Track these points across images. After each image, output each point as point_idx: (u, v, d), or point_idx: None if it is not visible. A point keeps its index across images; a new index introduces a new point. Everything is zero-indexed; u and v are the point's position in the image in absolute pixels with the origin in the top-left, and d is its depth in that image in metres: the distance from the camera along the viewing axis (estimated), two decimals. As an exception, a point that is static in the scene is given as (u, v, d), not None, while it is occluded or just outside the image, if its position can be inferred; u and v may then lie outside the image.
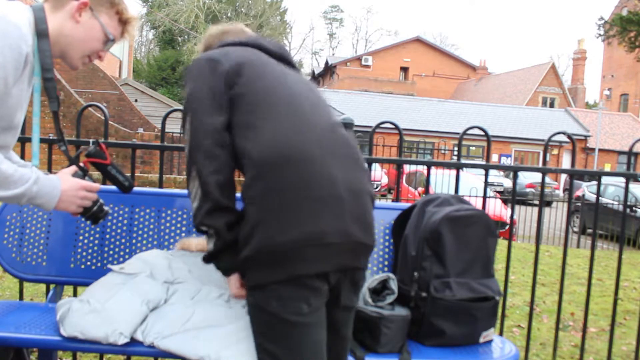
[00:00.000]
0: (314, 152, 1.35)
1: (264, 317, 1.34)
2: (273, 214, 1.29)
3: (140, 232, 2.17)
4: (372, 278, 1.90)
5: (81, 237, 2.16)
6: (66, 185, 1.51)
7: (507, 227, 9.32)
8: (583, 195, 11.89)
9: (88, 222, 1.67)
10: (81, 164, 1.60)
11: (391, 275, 1.92)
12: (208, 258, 1.43)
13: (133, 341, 1.71)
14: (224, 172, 1.36)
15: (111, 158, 1.65)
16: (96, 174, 1.72)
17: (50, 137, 2.38)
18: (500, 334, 2.54)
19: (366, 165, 1.53)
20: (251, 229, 1.31)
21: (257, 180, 1.32)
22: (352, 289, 1.45)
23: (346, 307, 1.46)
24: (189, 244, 2.01)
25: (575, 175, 2.87)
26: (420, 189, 11.13)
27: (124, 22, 1.58)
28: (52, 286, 2.23)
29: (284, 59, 1.62)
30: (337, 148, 1.42)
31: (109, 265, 1.93)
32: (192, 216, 1.39)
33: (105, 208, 1.65)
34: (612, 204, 10.09)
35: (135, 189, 1.73)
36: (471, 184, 8.87)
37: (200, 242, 2.01)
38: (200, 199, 1.36)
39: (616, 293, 2.75)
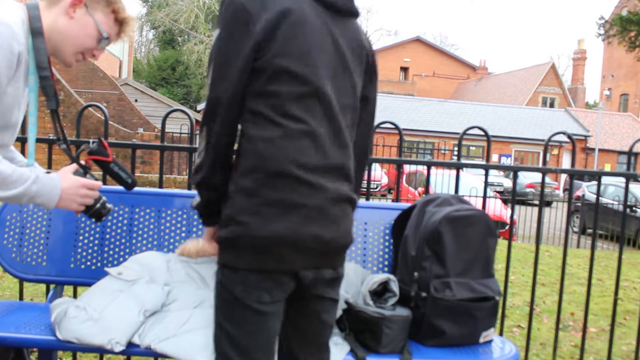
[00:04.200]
0: (315, 164, 1.36)
1: (228, 297, 1.38)
2: (259, 208, 1.33)
3: (140, 232, 2.17)
4: (371, 280, 1.89)
5: (81, 237, 2.16)
6: (67, 184, 1.50)
7: (507, 227, 9.32)
8: (583, 195, 11.89)
9: (91, 220, 1.66)
10: (82, 162, 1.59)
11: (391, 276, 1.92)
12: (195, 207, 1.51)
13: (131, 344, 1.71)
14: (229, 151, 1.39)
15: (113, 155, 1.64)
16: (98, 172, 1.71)
17: (51, 137, 2.37)
18: (500, 334, 2.54)
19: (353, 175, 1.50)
20: (235, 214, 1.35)
21: (254, 172, 1.34)
22: (329, 282, 1.47)
23: (322, 297, 1.48)
24: (190, 251, 1.99)
25: (575, 175, 2.87)
26: (420, 189, 11.13)
27: (120, 21, 1.56)
28: (52, 286, 2.23)
29: (333, 6, 1.43)
30: (337, 160, 1.41)
31: (106, 269, 1.91)
32: (193, 170, 1.44)
33: (108, 205, 1.64)
34: (612, 204, 10.09)
35: (135, 189, 1.72)
36: (471, 184, 8.88)
37: (201, 249, 1.99)
38: (199, 163, 1.40)
39: (616, 293, 2.75)
